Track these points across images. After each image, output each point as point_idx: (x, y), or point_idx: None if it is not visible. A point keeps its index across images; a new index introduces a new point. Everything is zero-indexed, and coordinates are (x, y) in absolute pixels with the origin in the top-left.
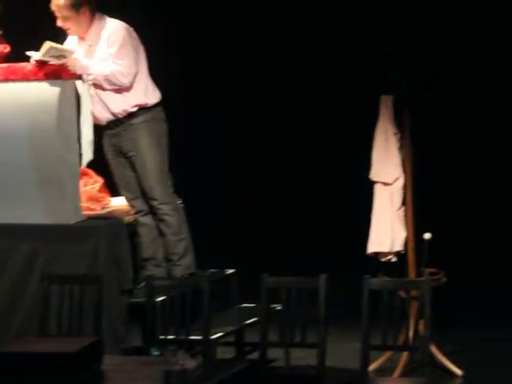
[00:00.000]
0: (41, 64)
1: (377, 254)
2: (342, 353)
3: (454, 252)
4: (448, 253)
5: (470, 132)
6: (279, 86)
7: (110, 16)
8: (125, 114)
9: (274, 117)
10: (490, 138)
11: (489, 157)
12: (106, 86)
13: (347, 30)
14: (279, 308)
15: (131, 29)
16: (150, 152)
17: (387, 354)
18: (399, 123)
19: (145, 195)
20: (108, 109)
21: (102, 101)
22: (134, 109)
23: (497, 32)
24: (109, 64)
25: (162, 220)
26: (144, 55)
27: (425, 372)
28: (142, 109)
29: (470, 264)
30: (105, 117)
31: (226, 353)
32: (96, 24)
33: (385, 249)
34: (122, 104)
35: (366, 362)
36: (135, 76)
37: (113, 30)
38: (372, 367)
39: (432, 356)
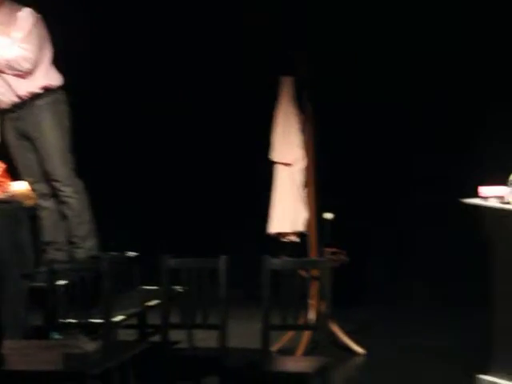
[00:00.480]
0: None
1: (278, 235)
2: (245, 333)
3: (356, 232)
4: (349, 233)
5: (371, 113)
6: (180, 68)
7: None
8: (30, 95)
9: (174, 98)
10: (390, 120)
11: (388, 138)
12: (7, 70)
13: (247, 10)
14: (181, 290)
15: (39, 16)
16: (52, 133)
17: (290, 334)
18: (300, 104)
19: (47, 178)
20: (13, 91)
21: (6, 83)
22: (39, 90)
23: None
24: (13, 48)
25: (64, 202)
26: (49, 44)
27: (325, 351)
28: (47, 90)
29: (371, 244)
30: (9, 99)
31: (128, 335)
32: (6, 8)
33: (286, 229)
34: (28, 86)
35: (266, 341)
36: (38, 62)
37: (22, 16)
38: (275, 347)
39: (334, 335)
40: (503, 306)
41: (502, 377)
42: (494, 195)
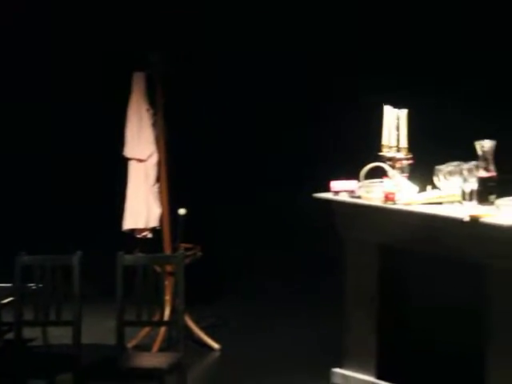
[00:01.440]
0: None
1: (133, 231)
2: (100, 330)
3: (211, 227)
4: (204, 228)
5: (225, 109)
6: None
7: None
8: None
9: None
10: (243, 118)
11: (241, 136)
12: None
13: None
14: (34, 287)
15: None
16: None
17: (146, 330)
18: (153, 100)
19: None
20: None
21: None
22: None
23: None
24: None
25: None
26: None
27: (179, 347)
28: None
29: (226, 239)
30: None
31: None
32: None
33: (140, 225)
34: None
35: (121, 338)
36: None
37: None
38: (131, 343)
39: (189, 330)
40: (354, 301)
41: (354, 370)
42: (344, 189)
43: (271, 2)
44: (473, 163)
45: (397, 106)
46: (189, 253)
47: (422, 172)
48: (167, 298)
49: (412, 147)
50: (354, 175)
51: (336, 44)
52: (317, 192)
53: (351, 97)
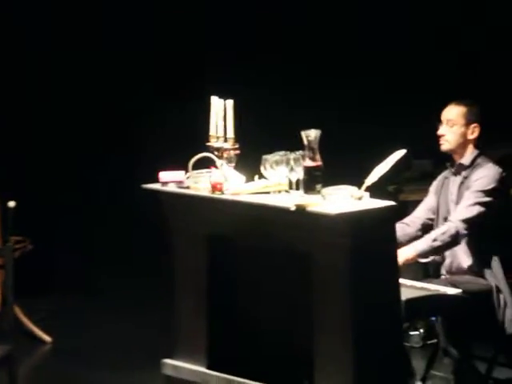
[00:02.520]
0: None
1: None
2: None
3: (42, 220)
4: (35, 221)
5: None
6: None
7: None
8: None
9: None
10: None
11: (63, 131)
12: None
13: None
14: None
15: None
16: None
17: None
18: None
19: None
20: None
21: None
22: None
23: None
24: None
25: None
26: None
27: (10, 339)
28: None
29: (58, 232)
30: None
31: None
32: None
33: None
34: None
35: None
36: None
37: None
38: None
39: (20, 323)
40: (184, 292)
41: (185, 361)
42: (173, 180)
43: None
44: (299, 153)
45: (224, 96)
46: (18, 245)
47: (249, 162)
48: None
49: (239, 137)
50: (183, 166)
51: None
52: (147, 183)
53: (178, 87)
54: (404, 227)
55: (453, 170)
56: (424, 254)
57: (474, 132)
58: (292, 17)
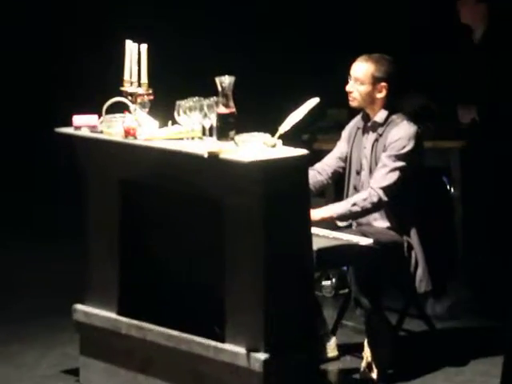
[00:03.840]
0: None
1: None
2: None
3: None
4: None
5: None
6: None
7: None
8: None
9: None
10: None
11: None
12: None
13: None
14: None
15: None
16: None
17: None
18: None
19: None
20: None
21: None
22: None
23: None
24: None
25: None
26: None
27: None
28: None
29: None
30: None
31: None
32: None
33: None
34: None
35: None
36: None
37: None
38: None
39: None
40: (95, 236)
41: (96, 306)
42: (86, 124)
43: None
44: (213, 99)
45: (138, 40)
46: None
47: (163, 107)
48: None
49: (153, 82)
50: (97, 110)
51: None
52: (60, 127)
53: (93, 32)
54: (315, 174)
55: (368, 125)
56: (342, 217)
57: (381, 91)
58: None
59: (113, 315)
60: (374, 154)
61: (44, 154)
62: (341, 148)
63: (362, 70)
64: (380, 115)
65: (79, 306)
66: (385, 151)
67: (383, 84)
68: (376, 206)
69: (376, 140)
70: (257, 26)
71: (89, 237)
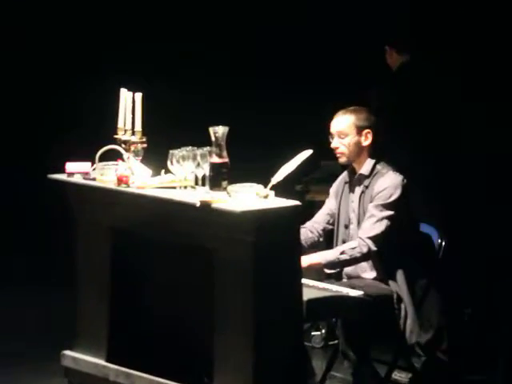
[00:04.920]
0: None
1: None
2: None
3: None
4: None
5: None
6: None
7: None
8: None
9: None
10: None
11: None
12: None
13: None
14: None
15: None
16: None
17: None
18: None
19: None
20: None
21: None
22: None
23: None
24: None
25: None
26: None
27: None
28: None
29: None
30: None
31: None
32: None
33: None
34: None
35: None
36: None
37: None
38: None
39: None
40: (86, 283)
41: (85, 353)
42: (79, 171)
43: None
44: (206, 149)
45: (133, 88)
46: None
47: (156, 156)
48: None
49: (147, 131)
50: (90, 157)
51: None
52: (53, 173)
53: (89, 80)
54: (306, 231)
55: (354, 178)
56: (330, 265)
57: (367, 138)
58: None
59: (101, 362)
60: (362, 206)
61: (36, 201)
62: (329, 205)
63: (343, 123)
64: (365, 167)
65: (68, 352)
66: (372, 202)
67: (367, 131)
68: (365, 256)
69: (363, 192)
70: (251, 78)
71: (79, 283)
